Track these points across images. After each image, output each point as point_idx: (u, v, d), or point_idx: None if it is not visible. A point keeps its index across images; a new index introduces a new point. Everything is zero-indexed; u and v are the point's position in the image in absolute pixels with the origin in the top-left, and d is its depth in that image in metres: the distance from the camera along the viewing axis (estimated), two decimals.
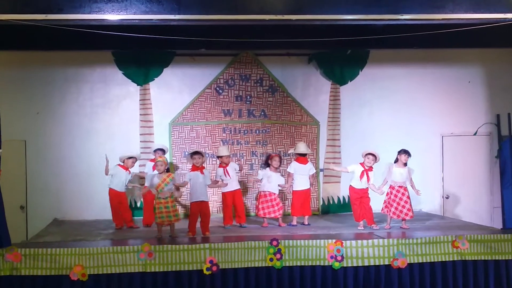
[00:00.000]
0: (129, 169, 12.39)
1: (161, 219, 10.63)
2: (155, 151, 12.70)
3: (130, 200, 13.27)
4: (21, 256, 9.12)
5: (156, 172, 11.09)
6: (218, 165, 12.56)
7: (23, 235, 13.24)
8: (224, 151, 12.44)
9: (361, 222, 11.68)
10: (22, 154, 13.65)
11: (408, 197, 11.50)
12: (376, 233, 10.75)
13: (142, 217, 12.67)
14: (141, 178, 12.95)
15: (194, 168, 11.34)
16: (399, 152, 11.55)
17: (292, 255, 9.55)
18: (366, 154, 11.65)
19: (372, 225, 11.59)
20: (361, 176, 11.61)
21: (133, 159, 12.46)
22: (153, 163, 12.24)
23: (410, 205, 11.50)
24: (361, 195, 11.69)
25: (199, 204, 11.17)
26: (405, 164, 11.51)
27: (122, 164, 12.30)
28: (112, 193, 12.26)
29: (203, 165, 11.52)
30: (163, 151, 12.64)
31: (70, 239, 10.83)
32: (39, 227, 12.61)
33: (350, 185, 11.82)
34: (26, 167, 13.70)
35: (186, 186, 11.60)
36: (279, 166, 12.46)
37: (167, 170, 10.90)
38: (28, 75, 13.76)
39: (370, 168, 11.64)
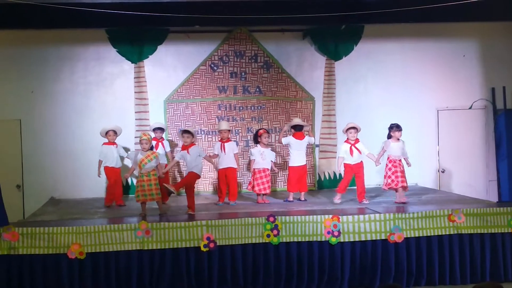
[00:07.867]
0: (115, 142, 12.35)
1: (144, 197, 10.55)
2: (154, 130, 12.63)
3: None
4: (18, 235, 9.13)
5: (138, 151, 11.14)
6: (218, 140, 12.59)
7: (20, 214, 13.24)
8: (222, 125, 12.45)
9: (339, 195, 11.75)
10: (17, 133, 13.61)
11: (403, 171, 11.52)
12: (373, 207, 10.77)
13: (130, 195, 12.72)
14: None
15: (183, 147, 11.32)
16: (391, 128, 11.53)
17: (289, 231, 9.58)
18: (347, 130, 11.68)
19: (363, 200, 11.64)
20: (351, 152, 11.62)
21: (111, 131, 12.30)
22: (155, 142, 12.16)
23: (405, 177, 11.53)
24: (356, 170, 11.71)
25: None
26: (398, 138, 11.52)
27: (107, 141, 12.29)
28: (108, 171, 12.27)
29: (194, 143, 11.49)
30: (161, 130, 12.68)
31: (67, 217, 10.84)
32: (35, 206, 12.60)
33: (345, 163, 11.78)
34: (22, 146, 13.67)
35: (183, 163, 11.57)
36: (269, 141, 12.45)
37: (151, 148, 10.86)
38: (21, 54, 13.69)
39: (357, 140, 11.66)
